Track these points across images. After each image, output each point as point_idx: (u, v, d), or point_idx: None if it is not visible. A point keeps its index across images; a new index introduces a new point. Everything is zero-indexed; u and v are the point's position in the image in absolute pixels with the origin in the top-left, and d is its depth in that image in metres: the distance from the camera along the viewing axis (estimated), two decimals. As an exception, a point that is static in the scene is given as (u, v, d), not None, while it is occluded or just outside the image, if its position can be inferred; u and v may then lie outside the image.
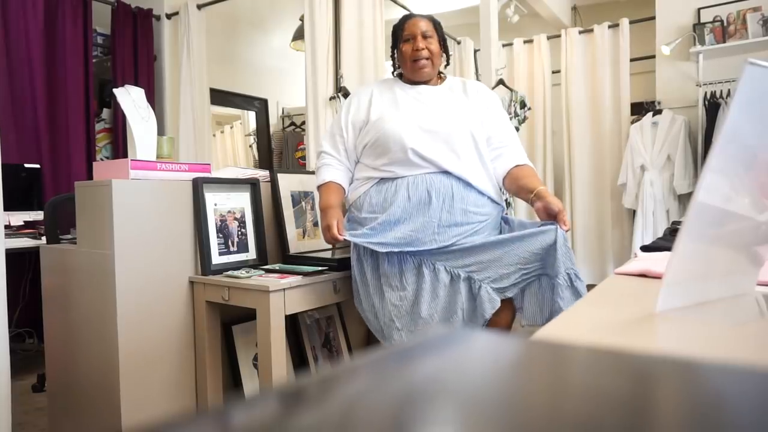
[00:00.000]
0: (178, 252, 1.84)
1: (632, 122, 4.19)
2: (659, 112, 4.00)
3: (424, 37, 1.78)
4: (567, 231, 1.63)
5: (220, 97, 4.44)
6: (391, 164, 1.72)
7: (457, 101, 1.81)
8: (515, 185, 1.79)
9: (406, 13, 4.36)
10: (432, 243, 1.66)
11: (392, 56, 1.91)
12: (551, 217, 1.66)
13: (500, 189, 1.86)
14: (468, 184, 1.71)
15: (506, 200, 3.59)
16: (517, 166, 1.80)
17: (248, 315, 1.95)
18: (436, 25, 1.84)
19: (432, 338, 0.34)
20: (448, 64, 1.92)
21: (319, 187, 1.88)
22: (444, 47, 1.86)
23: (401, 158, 1.70)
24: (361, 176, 1.81)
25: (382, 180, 1.74)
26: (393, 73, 1.94)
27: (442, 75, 1.91)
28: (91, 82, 3.62)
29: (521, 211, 4.65)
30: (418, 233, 1.66)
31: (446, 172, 1.70)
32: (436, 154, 1.69)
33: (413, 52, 1.78)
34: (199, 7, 3.97)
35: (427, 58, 1.78)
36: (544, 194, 1.68)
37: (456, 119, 1.74)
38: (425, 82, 1.85)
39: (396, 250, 1.67)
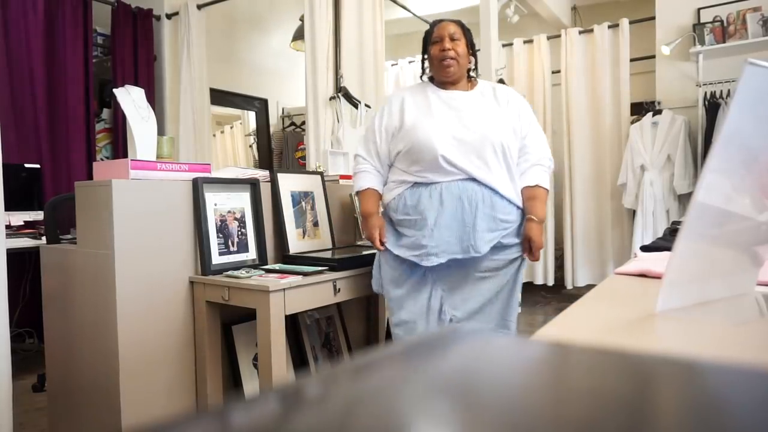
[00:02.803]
0: (178, 252, 1.84)
1: (632, 122, 4.19)
2: (659, 112, 4.00)
3: (452, 39, 1.86)
4: (533, 260, 1.88)
5: (220, 97, 4.44)
6: (424, 171, 1.81)
7: (489, 109, 1.87)
8: (524, 203, 1.92)
9: (407, 13, 4.36)
10: (470, 251, 1.77)
11: (422, 60, 1.99)
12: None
13: None
14: (496, 192, 1.80)
15: None
16: (527, 187, 1.89)
17: (248, 315, 1.95)
18: (465, 29, 1.92)
19: (432, 339, 0.34)
20: (476, 67, 1.98)
21: (357, 193, 1.99)
22: (472, 51, 1.94)
23: (433, 165, 1.78)
24: (396, 179, 1.90)
25: (416, 184, 1.83)
26: (421, 77, 2.01)
27: (473, 79, 1.96)
28: (91, 82, 3.62)
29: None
30: (455, 238, 1.77)
31: (476, 180, 1.78)
32: (466, 163, 1.77)
33: (440, 53, 1.86)
34: (199, 7, 3.97)
35: (453, 58, 1.85)
36: (529, 226, 1.85)
37: (487, 129, 1.80)
38: (454, 84, 1.91)
39: (444, 260, 1.77)
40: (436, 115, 1.84)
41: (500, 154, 1.80)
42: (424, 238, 1.78)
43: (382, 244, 1.88)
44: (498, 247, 1.82)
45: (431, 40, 1.91)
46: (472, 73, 1.96)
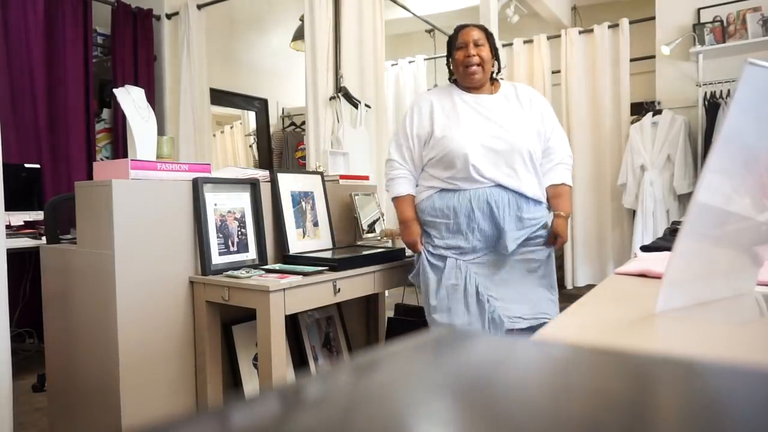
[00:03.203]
0: (178, 252, 1.84)
1: (632, 122, 4.18)
2: (659, 112, 4.00)
3: (476, 45, 1.92)
4: (553, 247, 1.98)
5: (220, 97, 4.43)
6: (455, 178, 1.89)
7: (515, 115, 1.93)
8: (550, 200, 2.02)
9: (407, 13, 4.36)
10: (500, 249, 1.89)
11: (447, 64, 2.04)
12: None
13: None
14: (522, 195, 1.88)
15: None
16: (553, 185, 2.00)
17: (248, 315, 1.95)
18: (488, 34, 1.98)
19: (433, 338, 0.34)
20: (500, 70, 2.04)
21: (395, 199, 2.05)
22: (495, 55, 1.98)
23: (464, 174, 1.87)
24: (425, 184, 1.99)
25: (444, 190, 1.92)
26: (450, 79, 2.07)
27: (496, 81, 2.02)
28: (91, 82, 3.62)
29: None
30: (486, 238, 1.88)
31: (503, 186, 1.87)
32: (495, 173, 1.86)
33: (465, 59, 1.91)
34: (199, 7, 3.97)
35: (478, 65, 1.91)
36: (557, 222, 1.96)
37: (516, 138, 1.88)
38: (479, 88, 1.97)
39: (480, 254, 1.90)
40: (465, 122, 1.90)
41: (528, 161, 1.89)
42: (461, 241, 1.90)
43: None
44: (529, 239, 1.93)
45: (455, 45, 1.95)
46: (494, 76, 2.02)
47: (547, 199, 2.01)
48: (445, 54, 2.06)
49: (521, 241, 1.91)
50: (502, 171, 1.86)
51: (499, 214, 1.85)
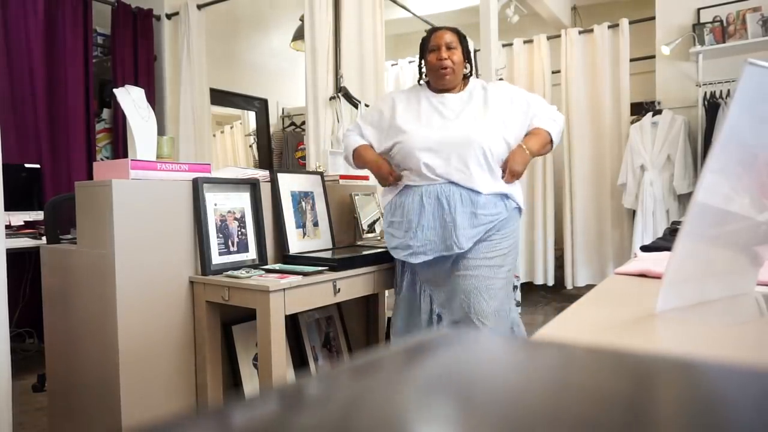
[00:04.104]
0: (178, 252, 1.84)
1: (632, 122, 4.19)
2: (659, 112, 4.00)
3: (448, 48, 1.93)
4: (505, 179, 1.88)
5: (220, 97, 4.44)
6: (411, 174, 1.92)
7: (475, 113, 1.93)
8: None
9: (407, 13, 4.36)
10: (453, 248, 1.85)
11: (419, 66, 2.06)
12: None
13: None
14: (476, 192, 1.86)
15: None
16: (531, 128, 1.96)
17: (248, 315, 1.95)
18: (461, 37, 1.98)
19: (433, 338, 0.34)
20: (471, 73, 2.05)
21: (354, 152, 2.06)
22: (467, 57, 2.00)
23: (417, 171, 1.89)
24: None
25: (405, 187, 1.94)
26: (419, 81, 2.08)
27: (466, 79, 2.03)
28: (91, 82, 3.62)
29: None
30: (437, 237, 1.87)
31: (456, 183, 1.86)
32: (447, 169, 1.85)
33: (437, 62, 1.93)
34: (199, 7, 3.97)
35: (449, 67, 1.92)
36: (511, 151, 1.89)
37: (470, 134, 1.87)
38: (449, 89, 1.98)
39: (431, 257, 1.88)
40: (423, 120, 1.94)
41: (482, 157, 1.86)
42: (410, 239, 1.90)
43: (394, 179, 1.96)
44: (481, 240, 1.88)
45: (428, 48, 1.97)
46: (468, 77, 2.03)
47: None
48: (419, 57, 2.06)
49: (478, 237, 1.85)
50: (453, 166, 1.85)
51: (450, 209, 1.84)
